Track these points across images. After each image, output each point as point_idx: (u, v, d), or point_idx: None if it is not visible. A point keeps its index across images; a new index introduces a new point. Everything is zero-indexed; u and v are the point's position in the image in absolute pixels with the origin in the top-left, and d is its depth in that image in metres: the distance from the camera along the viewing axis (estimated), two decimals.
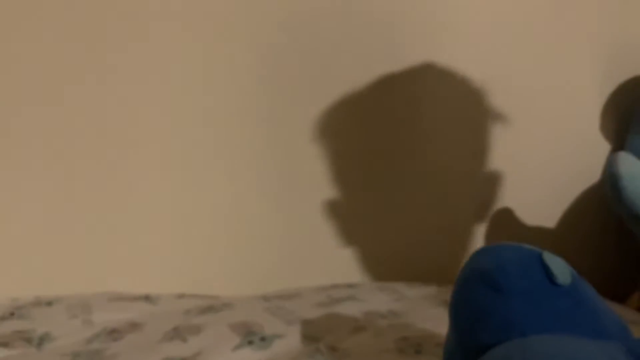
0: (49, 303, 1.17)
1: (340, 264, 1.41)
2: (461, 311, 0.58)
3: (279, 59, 1.34)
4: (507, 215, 1.47)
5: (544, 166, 1.49)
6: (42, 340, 1.02)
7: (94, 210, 1.29)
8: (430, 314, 1.08)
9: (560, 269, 0.55)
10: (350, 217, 1.41)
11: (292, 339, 1.00)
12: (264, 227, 1.37)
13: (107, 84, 1.28)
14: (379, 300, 1.19)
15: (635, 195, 0.94)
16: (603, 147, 1.49)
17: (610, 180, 0.96)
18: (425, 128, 1.43)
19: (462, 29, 1.41)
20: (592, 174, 1.50)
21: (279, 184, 1.37)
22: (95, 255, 1.29)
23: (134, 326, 1.07)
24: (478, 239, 1.47)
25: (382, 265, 1.44)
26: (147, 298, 1.21)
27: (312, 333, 1.01)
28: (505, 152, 1.46)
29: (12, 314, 1.11)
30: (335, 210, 1.39)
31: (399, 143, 1.42)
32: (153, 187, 1.32)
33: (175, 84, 1.31)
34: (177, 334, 1.01)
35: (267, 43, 1.33)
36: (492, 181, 1.45)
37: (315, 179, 1.38)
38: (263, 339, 0.99)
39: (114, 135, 1.29)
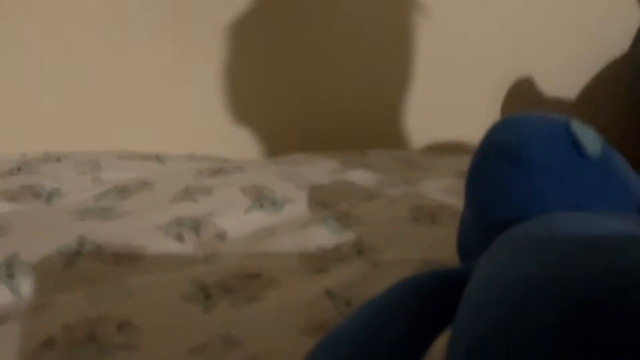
0: (58, 159, 1.15)
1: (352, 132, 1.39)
2: (479, 186, 0.54)
3: None
4: (526, 84, 1.42)
5: (569, 31, 1.42)
6: (51, 195, 1.01)
7: (103, 67, 1.25)
8: (445, 183, 1.05)
9: (590, 139, 0.50)
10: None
11: (303, 204, 0.98)
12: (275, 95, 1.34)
13: None
14: (392, 168, 1.17)
15: None
16: (634, 14, 1.41)
17: None
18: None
19: None
20: (618, 44, 1.44)
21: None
22: (105, 112, 1.26)
23: (144, 185, 1.05)
24: (491, 109, 1.43)
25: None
26: (157, 157, 1.19)
27: (324, 199, 1.00)
28: (526, 14, 1.38)
29: (19, 169, 1.10)
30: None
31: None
32: (162, 47, 1.27)
33: None
34: (188, 194, 1.00)
35: None
36: None
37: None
38: (274, 202, 0.98)
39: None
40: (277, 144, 1.37)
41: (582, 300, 0.34)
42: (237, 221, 0.93)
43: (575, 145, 0.50)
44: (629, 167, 0.52)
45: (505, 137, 0.53)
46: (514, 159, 0.51)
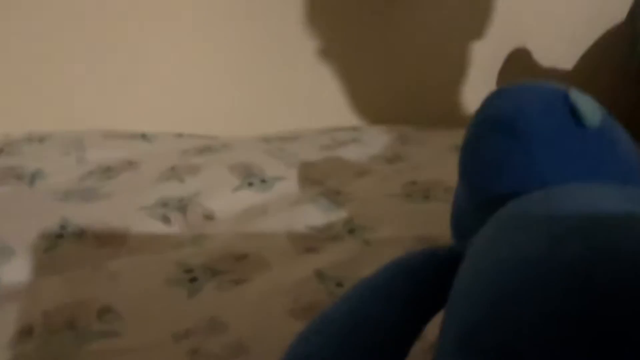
0: (41, 139, 1.12)
1: (342, 107, 1.36)
2: (474, 160, 0.51)
3: None
4: (522, 55, 1.39)
5: (565, 2, 1.39)
6: (34, 177, 0.98)
7: (87, 43, 1.20)
8: (438, 158, 1.03)
9: (589, 108, 0.47)
10: (352, 59, 1.33)
11: (293, 182, 0.96)
12: (264, 67, 1.30)
13: None
14: (385, 143, 1.14)
15: None
16: None
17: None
18: None
19: None
20: (615, 14, 1.41)
21: (280, 25, 1.28)
22: (89, 91, 1.23)
23: (129, 164, 1.02)
24: (489, 81, 1.40)
25: (385, 109, 1.38)
26: (143, 136, 1.15)
27: (314, 176, 0.97)
28: None
29: (1, 151, 1.07)
30: (336, 53, 1.31)
31: None
32: (151, 25, 1.22)
33: None
34: (175, 173, 0.97)
35: None
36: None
37: (317, 22, 1.29)
38: (263, 181, 0.95)
39: None
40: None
41: (585, 285, 0.32)
42: (225, 201, 0.91)
43: (574, 114, 0.47)
44: (628, 137, 0.49)
45: (500, 108, 0.50)
46: (510, 131, 0.48)
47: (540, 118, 0.47)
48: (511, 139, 0.47)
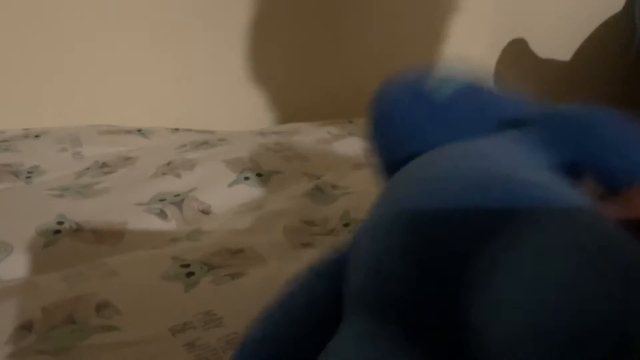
0: (37, 136, 1.12)
1: (338, 103, 1.36)
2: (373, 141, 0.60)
3: None
4: (520, 46, 1.39)
5: None
6: (31, 174, 0.99)
7: (83, 39, 1.21)
8: None
9: (439, 83, 0.55)
10: (344, 55, 1.34)
11: (290, 176, 0.96)
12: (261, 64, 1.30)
13: None
14: None
15: None
16: None
17: None
18: None
19: None
20: (613, 4, 1.41)
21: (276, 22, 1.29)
22: (85, 87, 1.23)
23: (125, 160, 1.03)
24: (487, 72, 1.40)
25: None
26: (139, 132, 1.16)
27: (310, 170, 0.97)
28: None
29: None
30: (327, 49, 1.31)
31: None
32: (147, 20, 1.23)
33: None
34: (171, 169, 0.98)
35: None
36: None
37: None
38: (260, 175, 0.95)
39: None
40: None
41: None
42: (221, 195, 0.91)
43: (431, 89, 0.55)
44: (501, 97, 0.56)
45: (376, 104, 0.58)
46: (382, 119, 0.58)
47: (399, 100, 0.56)
48: (385, 124, 0.57)
